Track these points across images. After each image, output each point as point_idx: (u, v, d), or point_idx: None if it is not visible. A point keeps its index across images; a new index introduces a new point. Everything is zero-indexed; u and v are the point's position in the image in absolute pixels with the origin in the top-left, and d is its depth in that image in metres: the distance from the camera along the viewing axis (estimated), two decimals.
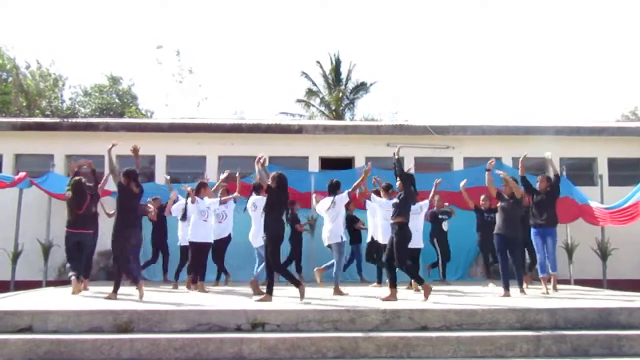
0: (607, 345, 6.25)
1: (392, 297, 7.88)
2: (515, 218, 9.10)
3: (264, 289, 8.18)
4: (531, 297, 8.49)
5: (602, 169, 14.46)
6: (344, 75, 33.06)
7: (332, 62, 33.06)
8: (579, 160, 14.86)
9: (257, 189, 9.26)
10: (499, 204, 9.28)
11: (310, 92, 32.64)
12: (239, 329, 6.37)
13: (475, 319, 6.59)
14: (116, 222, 8.36)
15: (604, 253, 13.02)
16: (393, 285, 8.03)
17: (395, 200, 8.43)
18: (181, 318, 6.42)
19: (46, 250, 12.52)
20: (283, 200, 8.18)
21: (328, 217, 9.03)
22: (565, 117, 25.96)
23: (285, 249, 10.76)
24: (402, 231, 8.18)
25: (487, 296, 8.69)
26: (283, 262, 11.89)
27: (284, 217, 8.31)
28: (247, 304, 7.29)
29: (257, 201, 9.13)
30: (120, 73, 39.66)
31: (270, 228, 7.89)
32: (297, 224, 11.96)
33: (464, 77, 56.98)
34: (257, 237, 9.08)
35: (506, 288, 8.73)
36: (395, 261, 8.18)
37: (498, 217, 9.23)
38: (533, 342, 6.18)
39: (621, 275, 12.93)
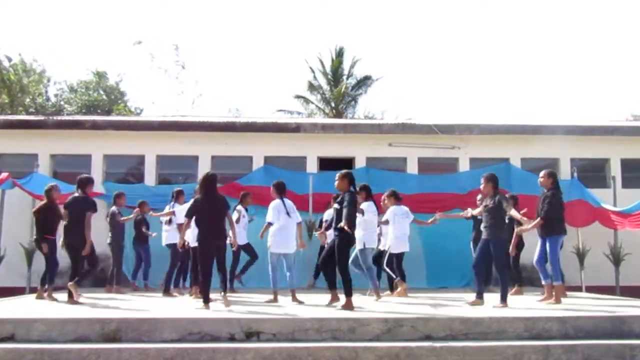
0: (620, 355, 6.23)
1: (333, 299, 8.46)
2: (496, 221, 8.61)
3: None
4: (540, 306, 8.49)
5: (615, 170, 14.46)
6: (345, 71, 33.14)
7: (333, 58, 33.08)
8: (591, 161, 14.87)
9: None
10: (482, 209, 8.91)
11: (312, 87, 32.67)
12: (232, 339, 6.35)
13: (482, 328, 6.58)
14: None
15: (616, 258, 13.03)
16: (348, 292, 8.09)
17: (336, 205, 8.33)
18: (172, 327, 6.40)
19: (29, 254, 12.46)
20: (211, 204, 8.26)
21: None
22: (576, 116, 25.97)
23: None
24: (346, 235, 8.15)
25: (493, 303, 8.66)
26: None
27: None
28: (241, 312, 7.29)
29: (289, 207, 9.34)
30: (109, 69, 39.41)
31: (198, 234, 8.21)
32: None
33: (470, 75, 57.12)
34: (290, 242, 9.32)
35: (479, 295, 8.56)
36: (338, 265, 8.22)
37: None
38: (542, 352, 6.17)
39: (635, 281, 12.90)
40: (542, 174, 9.24)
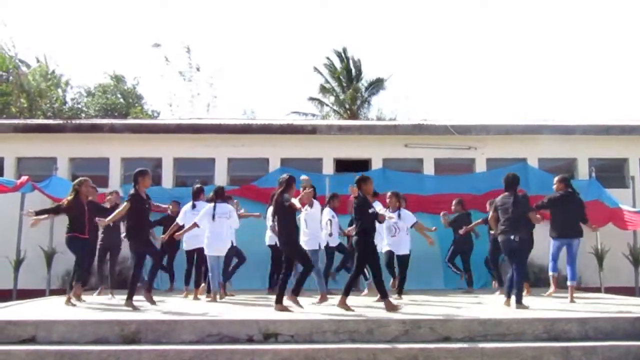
0: None
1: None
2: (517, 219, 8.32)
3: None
4: (559, 306, 8.42)
5: (634, 170, 14.29)
6: (357, 73, 33.12)
7: (343, 59, 33.09)
8: (609, 161, 14.71)
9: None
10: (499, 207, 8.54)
11: (324, 90, 32.70)
12: (250, 340, 6.38)
13: (500, 330, 6.55)
14: None
15: (636, 259, 12.89)
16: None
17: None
18: (190, 328, 6.46)
19: (49, 257, 12.58)
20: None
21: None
22: (593, 116, 25.78)
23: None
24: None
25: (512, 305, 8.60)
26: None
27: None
28: (259, 313, 7.31)
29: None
30: (125, 72, 39.80)
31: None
32: None
33: (486, 75, 56.79)
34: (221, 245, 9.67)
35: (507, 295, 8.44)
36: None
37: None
38: (561, 354, 6.14)
39: None
40: (554, 180, 9.53)
